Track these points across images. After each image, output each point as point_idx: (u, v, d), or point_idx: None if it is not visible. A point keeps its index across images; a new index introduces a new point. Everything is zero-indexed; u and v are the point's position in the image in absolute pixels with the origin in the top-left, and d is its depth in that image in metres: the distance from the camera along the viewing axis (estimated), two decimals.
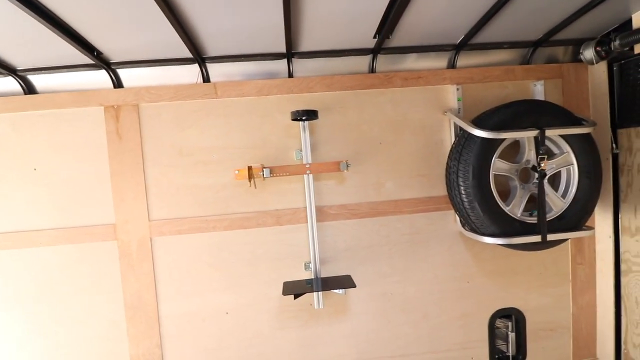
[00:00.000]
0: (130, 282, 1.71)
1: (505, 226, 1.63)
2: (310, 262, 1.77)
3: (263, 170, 1.67)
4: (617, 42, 1.65)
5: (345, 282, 1.71)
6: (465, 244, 1.89)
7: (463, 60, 1.85)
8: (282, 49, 1.65)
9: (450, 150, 1.77)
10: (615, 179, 1.84)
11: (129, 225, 1.71)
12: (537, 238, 1.60)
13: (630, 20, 1.66)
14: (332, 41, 1.66)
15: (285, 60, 1.75)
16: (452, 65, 1.84)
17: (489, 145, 1.61)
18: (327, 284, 1.71)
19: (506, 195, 1.73)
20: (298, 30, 1.53)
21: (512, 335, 1.95)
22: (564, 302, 1.96)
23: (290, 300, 1.75)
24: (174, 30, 1.38)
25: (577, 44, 1.86)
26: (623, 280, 1.85)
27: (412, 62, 1.85)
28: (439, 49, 1.80)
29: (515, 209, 1.68)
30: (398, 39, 1.66)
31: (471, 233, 1.74)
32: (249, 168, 1.65)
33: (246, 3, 1.30)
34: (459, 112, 1.80)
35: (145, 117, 1.72)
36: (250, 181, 1.67)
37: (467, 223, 1.74)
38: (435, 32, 1.66)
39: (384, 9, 1.42)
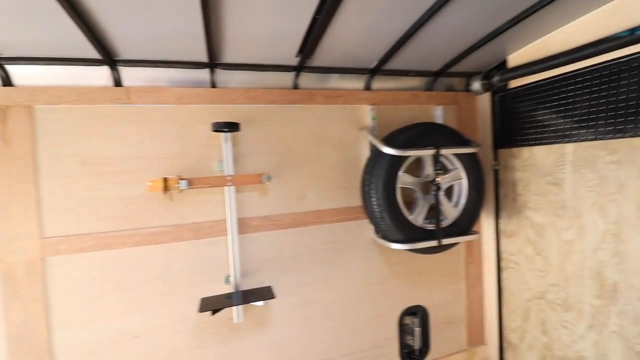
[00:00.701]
0: (15, 310, 1.47)
1: (410, 233, 1.83)
2: (231, 276, 1.74)
3: (180, 182, 1.60)
4: (497, 78, 2.01)
5: (265, 294, 1.72)
6: (378, 250, 2.06)
7: (377, 83, 2.04)
8: (205, 58, 1.62)
9: (365, 164, 1.93)
10: (496, 190, 2.21)
11: (14, 244, 1.47)
12: (434, 243, 1.84)
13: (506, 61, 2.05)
14: (257, 56, 1.69)
15: (207, 70, 1.72)
16: (368, 87, 2.02)
17: (397, 161, 1.80)
18: (247, 296, 1.70)
19: (410, 205, 1.95)
20: (221, 42, 1.52)
21: (418, 330, 2.18)
22: (459, 297, 2.27)
23: (208, 317, 1.70)
24: (77, 27, 1.26)
25: (468, 76, 2.20)
26: (502, 275, 2.22)
27: (334, 81, 1.97)
28: (357, 72, 1.96)
29: (418, 217, 1.90)
30: (320, 59, 1.77)
31: (382, 240, 1.91)
32: (165, 179, 1.57)
33: (164, 9, 1.26)
34: (373, 130, 1.98)
35: (41, 121, 1.51)
36: (165, 193, 1.59)
37: (379, 231, 1.91)
38: (353, 57, 1.81)
39: (305, 32, 1.51)
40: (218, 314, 1.68)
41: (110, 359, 1.59)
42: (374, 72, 1.96)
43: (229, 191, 1.72)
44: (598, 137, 1.62)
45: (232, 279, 1.74)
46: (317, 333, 1.94)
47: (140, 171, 1.62)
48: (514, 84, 2.03)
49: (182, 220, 1.70)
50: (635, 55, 1.45)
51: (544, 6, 1.48)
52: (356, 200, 2.01)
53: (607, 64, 1.57)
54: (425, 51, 1.83)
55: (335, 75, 1.95)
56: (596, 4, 1.54)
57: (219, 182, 1.68)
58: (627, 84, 1.51)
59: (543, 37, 1.82)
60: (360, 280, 2.03)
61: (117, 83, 1.62)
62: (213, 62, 1.67)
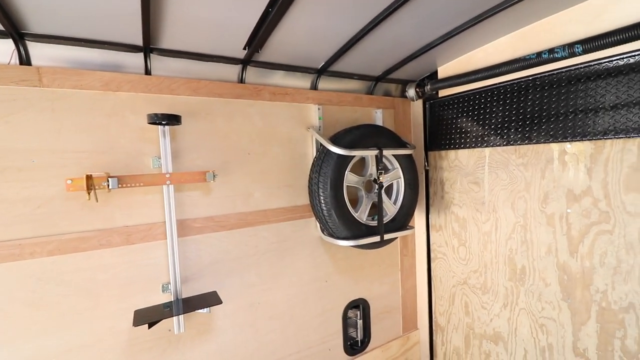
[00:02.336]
0: None
1: (355, 230, 1.90)
2: (170, 283, 1.59)
3: (108, 180, 1.40)
4: (429, 86, 2.21)
5: (211, 300, 1.62)
6: (324, 247, 2.10)
7: (324, 83, 2.07)
8: (139, 41, 1.45)
9: (312, 163, 1.95)
10: (426, 189, 2.43)
11: None
12: (377, 238, 1.95)
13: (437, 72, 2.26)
14: (201, 44, 1.57)
15: (141, 55, 1.54)
16: (314, 86, 2.03)
17: (343, 161, 1.86)
18: (190, 304, 1.58)
19: (355, 203, 2.03)
20: (160, 24, 1.38)
21: (360, 322, 2.28)
22: (395, 287, 2.44)
23: (144, 331, 1.53)
24: None
25: (404, 83, 2.38)
26: (432, 265, 2.45)
27: (280, 78, 1.94)
28: (304, 71, 1.96)
29: (362, 215, 1.99)
30: (268, 54, 1.72)
31: (329, 237, 1.95)
32: (88, 177, 1.36)
33: None
34: (319, 129, 2.01)
35: None
36: (89, 193, 1.38)
37: (326, 229, 1.94)
38: (301, 55, 1.80)
39: (254, 25, 1.45)
40: (156, 327, 1.52)
41: None
42: (321, 72, 1.98)
43: (167, 190, 1.57)
44: (510, 143, 1.90)
45: (171, 286, 1.59)
46: (264, 335, 1.89)
47: (57, 167, 1.38)
48: (443, 93, 2.26)
49: (110, 224, 1.49)
50: (540, 75, 1.74)
51: (468, 27, 1.67)
52: (303, 199, 2.01)
53: (517, 80, 1.84)
54: (369, 57, 1.93)
55: (280, 72, 1.92)
56: (509, 29, 1.80)
57: (157, 180, 1.52)
58: (532, 99, 1.79)
59: (468, 53, 2.06)
60: (307, 278, 2.04)
61: (25, 61, 1.35)
62: (149, 46, 1.51)
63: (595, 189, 1.57)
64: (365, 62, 2.00)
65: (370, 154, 1.91)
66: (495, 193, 2.00)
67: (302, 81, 2.01)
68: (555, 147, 1.71)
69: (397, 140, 2.07)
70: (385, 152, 1.95)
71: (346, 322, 2.22)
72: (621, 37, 1.34)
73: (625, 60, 1.44)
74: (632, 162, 1.45)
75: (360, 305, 2.28)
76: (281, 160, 1.93)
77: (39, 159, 1.35)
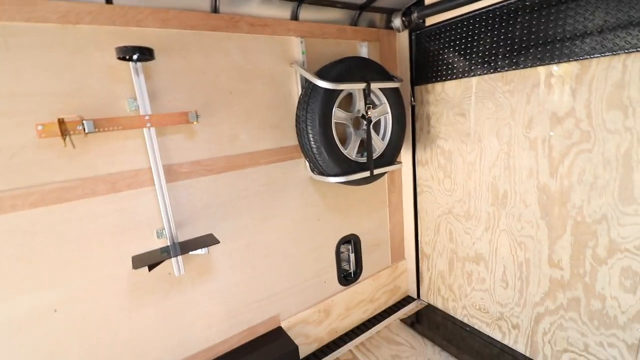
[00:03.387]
0: None
1: (345, 167, 1.91)
2: (164, 229, 1.58)
3: (83, 123, 1.31)
4: (415, 14, 2.09)
5: (208, 240, 1.63)
6: (314, 186, 2.12)
7: (305, 13, 1.92)
8: None
9: (299, 101, 1.88)
10: (412, 124, 2.42)
11: None
12: (367, 173, 1.97)
13: None
14: None
15: None
16: (295, 16, 1.89)
17: (331, 96, 1.80)
18: (187, 246, 1.59)
19: (343, 141, 2.01)
20: None
21: (352, 256, 2.40)
22: (384, 222, 2.55)
23: (145, 275, 1.55)
24: None
25: (390, 13, 2.24)
26: (418, 198, 2.54)
27: (257, 7, 1.78)
28: None
29: (352, 151, 1.98)
30: None
31: (319, 176, 1.96)
32: (60, 121, 1.26)
33: None
34: (303, 65, 1.90)
35: None
36: (64, 139, 1.29)
37: (316, 167, 1.94)
38: None
39: None
40: (155, 270, 1.54)
41: (28, 338, 1.34)
42: None
43: (149, 134, 1.49)
44: (497, 70, 1.88)
45: (166, 232, 1.58)
46: (261, 273, 1.96)
47: (24, 113, 1.26)
48: (430, 21, 2.16)
49: (92, 172, 1.42)
50: None
51: None
52: (291, 140, 1.97)
53: (507, 3, 1.77)
54: None
55: (256, 0, 1.76)
56: None
57: (136, 123, 1.43)
58: (521, 21, 1.74)
59: None
60: (298, 217, 2.08)
61: None
62: None
63: (578, 109, 1.61)
64: None
65: (357, 87, 1.85)
66: (481, 123, 2.02)
67: (282, 11, 1.86)
68: (542, 70, 1.70)
69: (384, 73, 2.00)
70: (373, 86, 1.90)
71: (339, 256, 2.33)
72: None
73: None
74: (616, 79, 1.47)
75: (351, 240, 2.38)
76: (266, 100, 1.85)
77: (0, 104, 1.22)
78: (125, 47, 1.31)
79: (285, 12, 1.87)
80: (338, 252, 2.31)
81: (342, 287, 2.36)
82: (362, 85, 1.85)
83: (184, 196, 1.66)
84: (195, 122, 1.57)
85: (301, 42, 1.88)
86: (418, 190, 2.53)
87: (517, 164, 1.89)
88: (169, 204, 1.57)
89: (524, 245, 1.95)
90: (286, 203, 2.01)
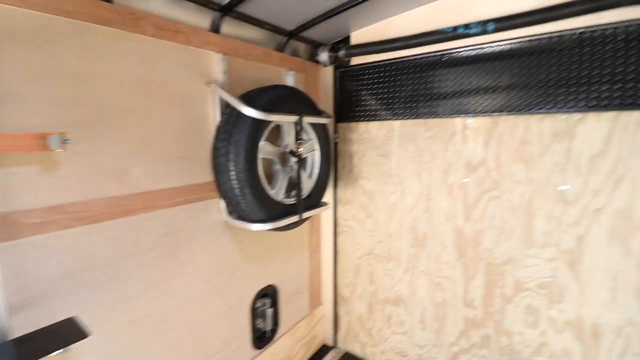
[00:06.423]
0: None
1: (272, 210, 1.62)
2: None
3: None
4: (343, 51, 2.04)
5: (65, 333, 1.05)
6: (230, 233, 1.74)
7: (229, 27, 1.62)
8: None
9: (218, 129, 1.53)
10: (335, 162, 2.32)
11: None
12: (296, 218, 1.72)
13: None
14: None
15: None
16: (216, 28, 1.56)
17: (259, 127, 1.52)
18: (25, 348, 0.99)
19: (269, 179, 1.73)
20: None
21: (269, 312, 2.05)
22: (303, 266, 2.30)
23: None
24: None
25: (316, 46, 2.14)
26: (338, 239, 2.41)
27: (164, 5, 1.39)
28: (204, 3, 1.46)
29: (279, 192, 1.72)
30: None
31: (240, 221, 1.60)
32: None
33: None
34: (225, 86, 1.57)
35: None
36: None
37: (236, 211, 1.59)
38: None
39: None
40: None
41: None
42: (226, 10, 1.52)
43: None
44: (419, 116, 1.95)
45: None
46: (152, 356, 1.43)
47: None
48: (355, 61, 2.14)
49: None
50: (448, 51, 1.80)
51: None
52: (204, 175, 1.57)
53: (427, 55, 1.88)
54: (286, 3, 1.59)
55: None
56: (424, 0, 1.79)
57: None
58: (439, 74, 1.86)
59: (383, 21, 1.97)
60: (208, 273, 1.65)
61: None
62: None
63: (489, 160, 1.77)
64: (281, 10, 1.65)
65: (290, 119, 1.62)
66: (403, 165, 2.05)
67: (199, 18, 1.51)
68: (459, 121, 1.83)
69: (314, 107, 1.85)
70: (305, 120, 1.70)
71: (254, 313, 1.95)
72: (530, 19, 1.47)
73: (518, 43, 1.61)
74: (520, 136, 1.67)
75: (268, 293, 2.04)
76: (174, 124, 1.43)
77: None
78: None
79: (203, 21, 1.53)
80: (254, 310, 1.93)
81: (256, 352, 1.96)
82: (295, 118, 1.64)
83: (29, 261, 1.06)
84: (58, 150, 1.04)
85: (222, 60, 1.56)
86: (338, 230, 2.41)
87: (436, 206, 1.97)
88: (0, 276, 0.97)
89: (442, 286, 2.01)
90: (193, 257, 1.56)
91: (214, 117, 1.57)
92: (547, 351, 1.70)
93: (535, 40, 1.57)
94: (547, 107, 1.58)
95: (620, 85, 1.42)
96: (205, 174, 1.57)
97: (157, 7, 1.37)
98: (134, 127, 1.29)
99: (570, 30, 1.49)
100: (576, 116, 1.53)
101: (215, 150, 1.51)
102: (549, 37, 1.54)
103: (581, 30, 1.47)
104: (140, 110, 1.30)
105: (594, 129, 1.49)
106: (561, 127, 1.57)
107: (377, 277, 2.26)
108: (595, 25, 1.44)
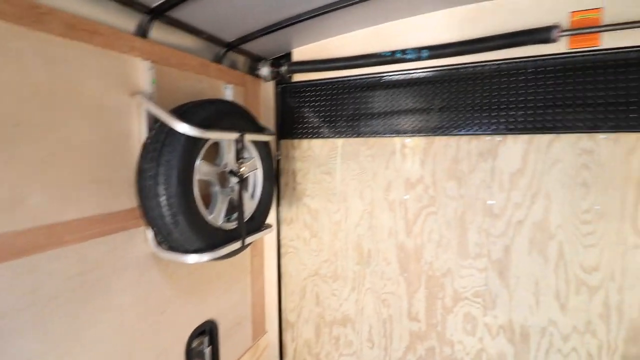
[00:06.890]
0: None
1: (211, 238, 1.45)
2: None
3: None
4: (285, 67, 1.98)
5: None
6: (159, 266, 1.50)
7: (159, 33, 1.44)
8: None
9: (144, 148, 1.32)
10: (277, 180, 2.22)
11: None
12: (238, 244, 1.57)
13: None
14: None
15: None
16: (143, 33, 1.37)
17: (195, 146, 1.36)
18: None
19: (207, 202, 1.56)
20: None
21: (207, 351, 1.82)
22: (245, 293, 2.12)
23: None
24: None
25: (257, 60, 2.04)
26: (282, 260, 2.29)
27: (78, 2, 1.17)
28: (128, 3, 1.27)
29: (218, 216, 1.55)
30: None
31: (171, 253, 1.39)
32: None
33: None
34: (153, 98, 1.38)
35: None
36: None
37: (167, 241, 1.38)
38: None
39: None
40: None
41: None
42: (156, 13, 1.35)
43: None
44: (360, 134, 1.98)
45: None
46: None
47: None
48: (297, 78, 2.10)
49: None
50: (387, 74, 1.88)
51: (324, 13, 1.58)
52: (126, 201, 1.34)
53: (367, 77, 1.93)
54: (224, 13, 1.48)
55: None
56: (365, 24, 1.85)
57: None
58: (380, 95, 1.92)
59: (325, 40, 1.98)
60: (132, 318, 1.39)
61: None
62: None
63: (426, 177, 1.86)
64: (222, 17, 1.53)
65: (230, 137, 1.49)
66: (347, 183, 2.05)
67: (122, 19, 1.31)
68: (397, 140, 1.91)
69: (255, 123, 1.74)
70: (248, 137, 1.58)
71: (190, 354, 1.71)
72: (458, 49, 1.61)
73: (448, 70, 1.75)
74: (452, 155, 1.79)
75: (206, 330, 1.82)
76: (87, 141, 1.19)
77: None
78: None
79: (127, 23, 1.33)
80: (189, 352, 1.69)
81: None
82: (236, 136, 1.51)
83: None
84: None
85: (150, 69, 1.37)
86: (282, 251, 2.29)
87: (379, 223, 1.99)
88: None
89: (387, 302, 2.02)
90: (112, 300, 1.30)
91: (139, 133, 1.36)
92: (485, 356, 1.81)
93: (462, 68, 1.73)
94: (474, 129, 1.73)
95: (532, 111, 1.62)
96: (127, 200, 1.34)
97: (71, 3, 1.14)
98: (32, 145, 1.03)
99: (490, 61, 1.67)
100: (498, 138, 1.70)
101: (142, 171, 1.30)
102: (474, 66, 1.70)
103: (499, 62, 1.66)
104: (40, 124, 1.05)
105: (513, 150, 1.67)
106: (486, 147, 1.73)
107: (323, 298, 2.19)
108: (510, 59, 1.63)
